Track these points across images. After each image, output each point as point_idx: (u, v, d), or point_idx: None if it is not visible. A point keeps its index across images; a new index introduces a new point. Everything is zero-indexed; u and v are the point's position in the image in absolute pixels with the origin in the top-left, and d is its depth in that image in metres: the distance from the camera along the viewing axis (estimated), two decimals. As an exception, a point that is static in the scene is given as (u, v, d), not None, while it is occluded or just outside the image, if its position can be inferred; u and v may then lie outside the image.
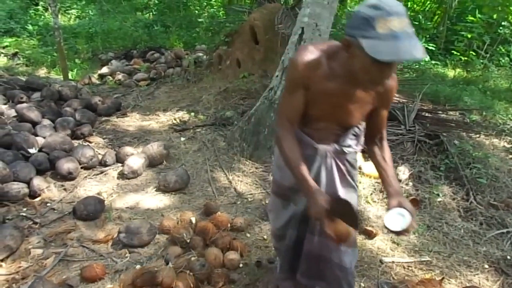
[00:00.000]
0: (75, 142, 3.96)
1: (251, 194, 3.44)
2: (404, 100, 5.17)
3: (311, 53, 1.52)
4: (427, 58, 7.55)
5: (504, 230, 3.15)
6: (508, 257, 2.86)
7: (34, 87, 5.06)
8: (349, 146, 1.74)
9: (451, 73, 7.36)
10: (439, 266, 2.74)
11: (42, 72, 7.12)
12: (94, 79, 6.52)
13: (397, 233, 1.53)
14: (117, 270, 2.49)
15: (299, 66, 1.52)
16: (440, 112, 5.09)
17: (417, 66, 7.28)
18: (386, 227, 1.55)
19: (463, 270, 2.72)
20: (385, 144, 1.77)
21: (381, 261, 2.73)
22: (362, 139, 1.80)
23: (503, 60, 7.57)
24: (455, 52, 7.30)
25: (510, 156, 4.32)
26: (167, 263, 2.44)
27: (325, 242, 1.78)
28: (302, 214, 1.83)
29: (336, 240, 1.56)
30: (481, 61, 7.29)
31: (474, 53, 7.33)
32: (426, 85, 5.61)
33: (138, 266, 2.47)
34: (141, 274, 2.25)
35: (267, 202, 3.32)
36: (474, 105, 5.39)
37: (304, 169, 1.60)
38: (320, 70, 1.52)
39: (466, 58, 7.40)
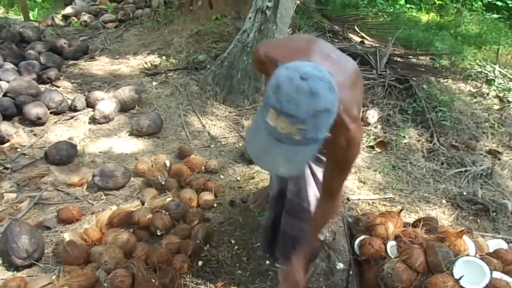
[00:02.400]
0: (42, 87, 3.82)
1: (225, 137, 3.48)
2: (377, 45, 5.20)
3: None
4: (402, 2, 7.50)
5: (463, 169, 3.37)
6: (464, 193, 3.09)
7: (-8, 28, 4.75)
8: None
9: (424, 17, 7.36)
10: (401, 202, 2.94)
11: (-1, 12, 6.66)
12: (58, 20, 6.15)
13: None
14: (94, 212, 2.54)
15: None
16: (411, 56, 5.16)
17: (391, 10, 7.24)
18: None
19: (423, 205, 2.93)
20: (327, 202, 1.56)
21: (348, 199, 2.90)
22: None
23: (475, 5, 7.60)
24: (430, -5, 7.27)
25: (474, 100, 4.50)
26: (143, 204, 2.51)
27: (299, 224, 1.80)
28: (278, 194, 1.87)
29: None
30: (455, 5, 7.30)
31: (448, -3, 7.32)
32: (399, 30, 5.63)
33: (114, 208, 2.53)
34: (118, 214, 2.32)
35: (240, 145, 3.39)
36: (445, 50, 5.48)
37: None
38: None
39: (440, 2, 7.38)
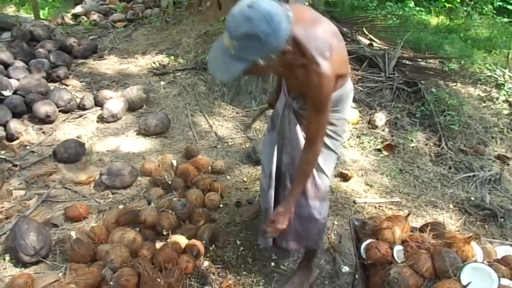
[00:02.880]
0: (51, 85, 3.85)
1: (232, 138, 3.49)
2: (385, 47, 5.17)
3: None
4: (412, 4, 7.46)
5: (471, 174, 3.34)
6: (472, 198, 3.07)
7: (3, 27, 4.80)
8: (297, 107, 1.78)
9: (434, 20, 7.32)
10: (407, 206, 2.92)
11: (10, 10, 6.72)
12: (68, 18, 6.19)
13: None
14: (100, 210, 2.56)
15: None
16: (420, 60, 5.13)
17: (400, 13, 7.20)
18: None
19: (430, 210, 2.91)
20: (307, 148, 1.69)
21: (354, 202, 2.89)
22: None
23: (486, 8, 7.53)
24: (440, -2, 7.23)
25: (483, 104, 4.47)
26: (149, 203, 2.52)
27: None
28: (276, 172, 1.94)
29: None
30: (465, 8, 7.25)
31: (458, 0, 7.26)
32: (408, 32, 5.60)
33: (121, 206, 2.54)
34: (125, 213, 2.33)
35: (247, 146, 3.39)
36: (454, 54, 5.44)
37: None
38: None
39: (450, 5, 7.33)
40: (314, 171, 1.82)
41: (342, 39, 1.63)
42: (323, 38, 1.48)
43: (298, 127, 1.82)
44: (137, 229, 2.33)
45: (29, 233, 2.09)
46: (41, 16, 6.18)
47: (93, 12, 6.32)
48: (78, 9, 6.44)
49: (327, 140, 1.79)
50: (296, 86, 1.69)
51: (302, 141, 1.81)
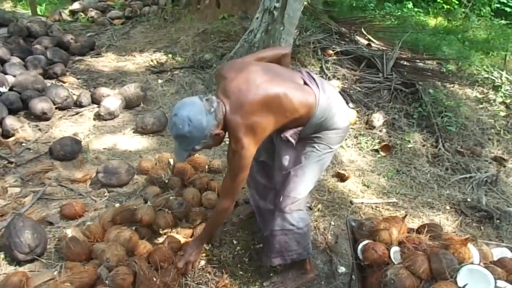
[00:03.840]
0: (48, 82, 3.83)
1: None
2: (383, 48, 5.18)
3: None
4: (410, 5, 7.47)
5: (467, 175, 3.35)
6: (468, 200, 3.08)
7: (0, 22, 4.76)
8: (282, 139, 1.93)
9: (432, 21, 7.33)
10: (404, 207, 2.92)
11: (7, 5, 6.68)
12: (65, 15, 6.17)
13: None
14: (96, 209, 2.54)
15: None
16: (418, 61, 5.14)
17: (399, 13, 7.21)
18: None
19: (426, 211, 2.92)
20: (218, 201, 1.99)
21: (351, 202, 2.89)
22: (293, 140, 1.90)
23: (484, 10, 7.56)
24: (438, 0, 7.24)
25: (480, 106, 4.48)
26: (146, 202, 2.50)
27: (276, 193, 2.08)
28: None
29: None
30: (463, 10, 7.27)
31: (456, 1, 7.28)
32: (406, 33, 5.60)
33: (117, 205, 2.53)
34: (121, 212, 2.31)
35: (244, 145, 3.38)
36: (452, 55, 5.45)
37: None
38: None
39: (448, 7, 7.35)
40: (291, 183, 1.94)
41: (293, 80, 1.80)
42: (247, 115, 1.65)
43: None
44: (134, 228, 2.31)
45: (24, 231, 2.07)
46: (38, 12, 6.14)
47: (91, 9, 6.30)
48: (76, 5, 6.41)
49: (315, 146, 1.89)
50: None
51: (283, 146, 1.95)
